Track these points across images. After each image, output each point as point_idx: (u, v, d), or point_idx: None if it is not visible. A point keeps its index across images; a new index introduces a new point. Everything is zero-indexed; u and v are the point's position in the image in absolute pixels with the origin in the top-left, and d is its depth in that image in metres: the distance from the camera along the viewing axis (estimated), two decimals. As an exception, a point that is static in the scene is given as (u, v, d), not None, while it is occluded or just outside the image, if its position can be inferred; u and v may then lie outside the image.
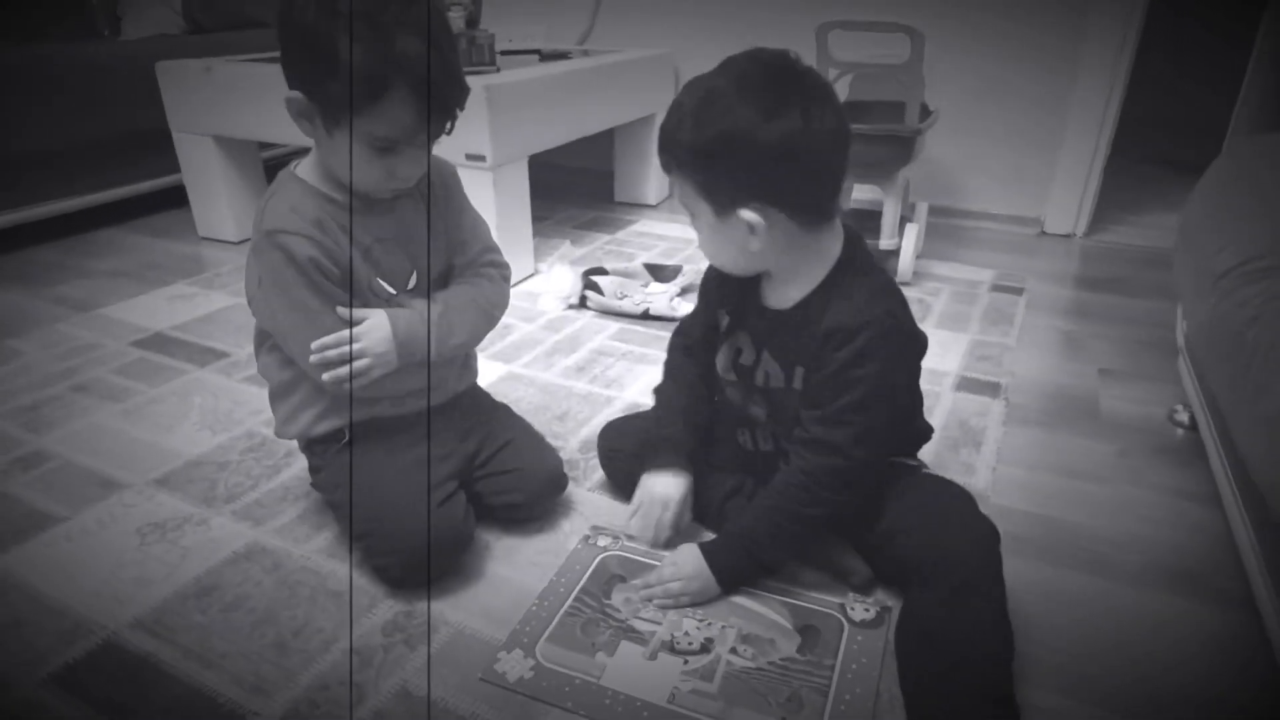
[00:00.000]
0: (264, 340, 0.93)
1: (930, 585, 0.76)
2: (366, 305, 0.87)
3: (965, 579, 0.75)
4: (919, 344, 0.85)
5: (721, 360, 0.92)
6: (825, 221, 0.81)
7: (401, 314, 0.87)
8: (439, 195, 0.93)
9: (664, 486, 0.94)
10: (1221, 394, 0.79)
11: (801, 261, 0.82)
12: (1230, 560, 0.94)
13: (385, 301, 0.89)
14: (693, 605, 0.86)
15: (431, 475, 0.90)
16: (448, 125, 0.83)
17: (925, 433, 0.97)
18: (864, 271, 0.83)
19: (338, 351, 0.83)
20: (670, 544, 0.93)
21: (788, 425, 0.86)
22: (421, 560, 0.86)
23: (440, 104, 0.79)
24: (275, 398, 0.95)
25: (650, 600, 0.86)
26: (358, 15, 0.73)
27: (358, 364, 0.84)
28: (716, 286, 0.93)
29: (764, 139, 0.72)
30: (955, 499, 0.85)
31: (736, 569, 0.86)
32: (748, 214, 0.76)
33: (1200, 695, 0.77)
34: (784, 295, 0.84)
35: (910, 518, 0.83)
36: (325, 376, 0.84)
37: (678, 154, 0.78)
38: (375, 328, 0.85)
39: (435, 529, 0.87)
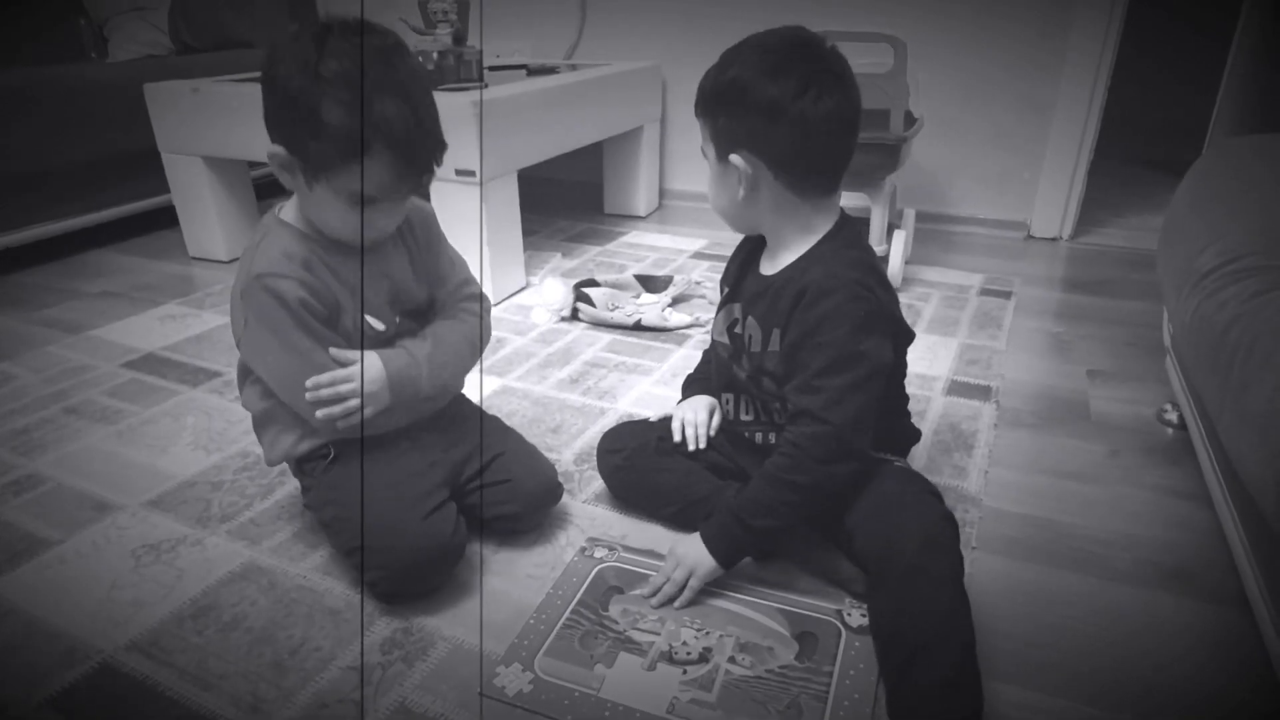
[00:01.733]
0: (246, 374, 0.95)
1: (882, 577, 0.78)
2: (356, 344, 0.89)
3: (912, 565, 0.74)
4: (900, 328, 0.87)
5: (717, 325, 0.97)
6: (817, 193, 0.85)
7: (391, 354, 0.89)
8: (420, 236, 0.96)
9: (702, 401, 1.02)
10: (1207, 393, 0.80)
11: (791, 228, 0.87)
12: (1221, 557, 0.94)
13: (375, 338, 0.91)
14: (695, 596, 0.87)
15: (420, 485, 0.91)
16: (425, 179, 0.85)
17: (912, 435, 0.98)
18: (848, 245, 0.86)
19: (331, 391, 0.85)
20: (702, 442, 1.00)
21: (763, 389, 0.90)
22: (412, 574, 0.87)
23: (417, 163, 0.82)
24: (259, 426, 0.97)
25: (659, 603, 0.87)
26: (338, 79, 0.76)
27: (351, 403, 0.85)
28: (728, 265, 0.99)
29: (758, 94, 0.79)
30: (911, 488, 0.85)
31: (732, 542, 0.86)
32: (736, 159, 0.83)
33: (1192, 692, 0.78)
34: (775, 263, 0.89)
35: (866, 510, 0.83)
36: (319, 414, 0.85)
37: (700, 100, 0.86)
38: (368, 368, 0.86)
39: (425, 540, 0.87)
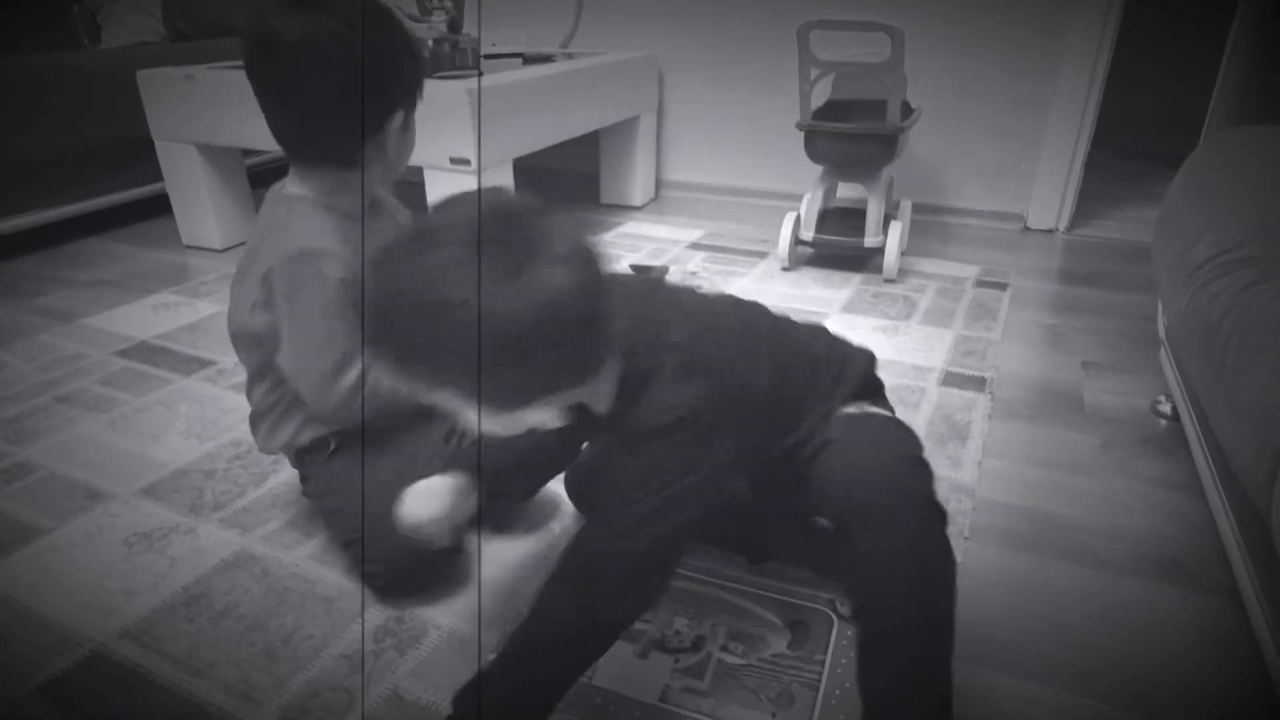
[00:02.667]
0: (262, 372, 0.93)
1: (847, 528, 0.68)
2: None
3: (875, 503, 0.66)
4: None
5: None
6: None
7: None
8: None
9: None
10: (1200, 383, 0.80)
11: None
12: (1213, 549, 0.95)
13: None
14: None
15: (419, 477, 0.90)
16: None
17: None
18: None
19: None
20: None
21: None
22: (411, 569, 0.86)
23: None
24: (257, 418, 0.96)
25: None
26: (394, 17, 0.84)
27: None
28: None
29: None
30: (877, 432, 0.74)
31: None
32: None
33: (1183, 681, 0.78)
34: None
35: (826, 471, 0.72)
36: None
37: None
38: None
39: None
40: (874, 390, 0.83)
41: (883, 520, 0.66)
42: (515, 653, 0.67)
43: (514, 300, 0.51)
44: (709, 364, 0.66)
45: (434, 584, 0.89)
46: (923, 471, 0.69)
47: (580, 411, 0.69)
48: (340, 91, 0.80)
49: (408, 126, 0.89)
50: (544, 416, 0.62)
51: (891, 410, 0.81)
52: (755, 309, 0.80)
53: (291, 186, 0.89)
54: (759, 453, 0.78)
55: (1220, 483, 0.88)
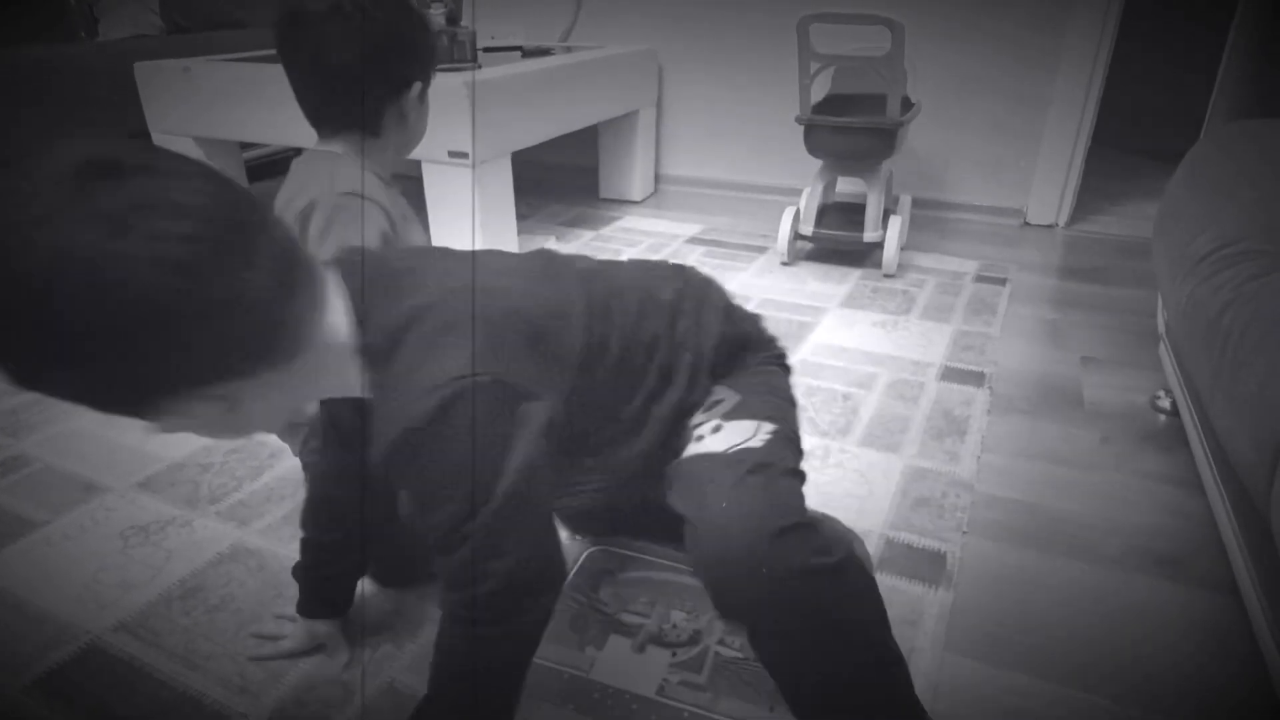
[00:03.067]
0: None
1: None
2: None
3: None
4: None
5: None
6: None
7: None
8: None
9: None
10: (1200, 378, 0.80)
11: None
12: (1212, 543, 0.95)
13: None
14: None
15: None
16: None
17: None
18: None
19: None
20: None
21: None
22: (413, 560, 0.86)
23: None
24: (290, 429, 0.96)
25: None
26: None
27: None
28: None
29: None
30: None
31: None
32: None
33: (1180, 676, 0.78)
34: None
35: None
36: None
37: None
38: None
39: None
40: (758, 345, 0.74)
41: (774, 623, 0.59)
42: (439, 693, 0.61)
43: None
44: (487, 317, 0.56)
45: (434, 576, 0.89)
46: (798, 540, 0.58)
47: (331, 414, 0.64)
48: (364, 60, 0.85)
49: (424, 98, 0.94)
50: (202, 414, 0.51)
51: (783, 368, 0.73)
52: (572, 259, 0.70)
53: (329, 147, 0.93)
54: (612, 415, 0.67)
55: (1220, 478, 0.88)
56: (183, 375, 0.48)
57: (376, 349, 0.56)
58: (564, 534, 0.97)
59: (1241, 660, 0.79)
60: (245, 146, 2.10)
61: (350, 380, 0.57)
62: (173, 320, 0.44)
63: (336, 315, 0.56)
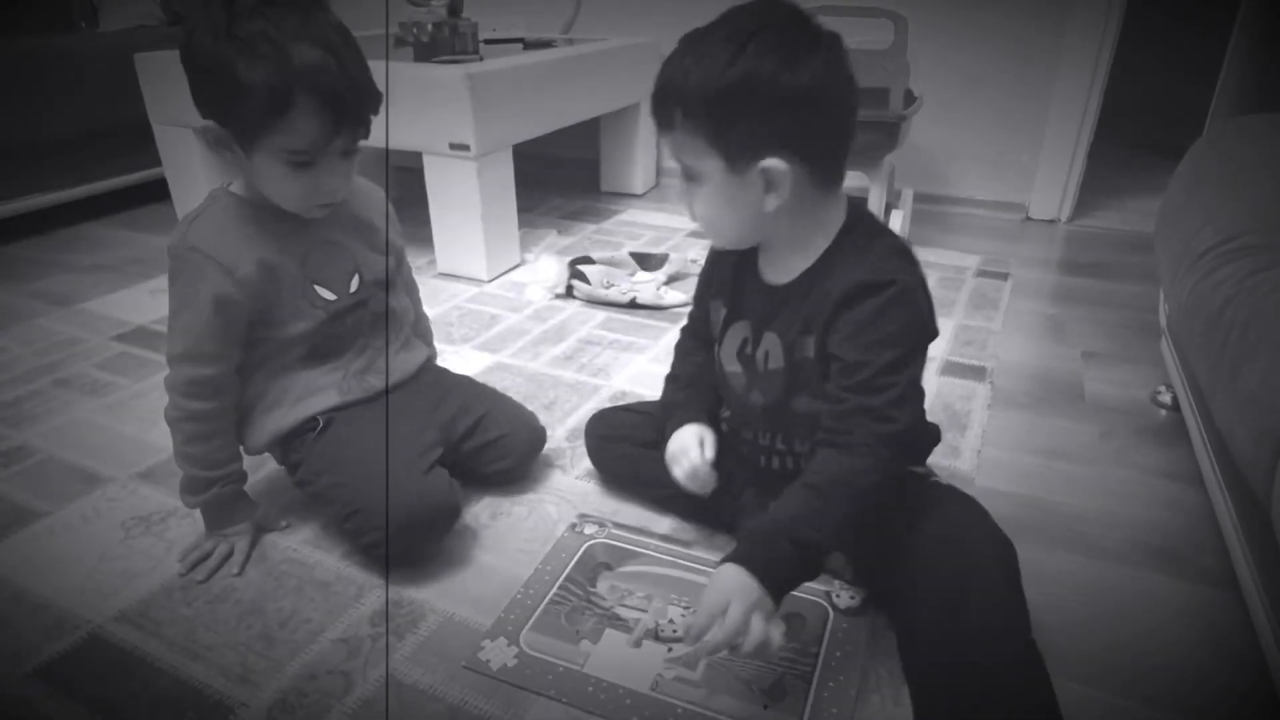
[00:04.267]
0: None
1: (952, 611, 0.69)
2: (301, 316, 0.89)
3: (988, 606, 0.69)
4: (933, 326, 0.77)
5: (724, 352, 0.87)
6: (838, 181, 0.77)
7: None
8: (374, 209, 0.98)
9: (688, 434, 0.89)
10: (1201, 373, 0.80)
11: (810, 227, 0.77)
12: (1212, 539, 0.95)
13: (325, 309, 0.91)
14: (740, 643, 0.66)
15: (413, 446, 0.91)
16: (360, 131, 0.84)
17: (935, 435, 0.90)
18: (874, 234, 0.79)
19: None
20: (707, 484, 0.88)
21: (782, 413, 0.84)
22: (410, 534, 0.87)
23: (347, 112, 0.80)
24: (243, 414, 0.94)
25: (702, 657, 0.76)
26: (256, 34, 0.75)
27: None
28: (707, 281, 0.91)
29: (789, 83, 0.68)
30: (970, 516, 0.78)
31: (784, 566, 0.69)
32: (772, 163, 0.70)
33: (1179, 669, 0.78)
34: (786, 268, 0.79)
35: (922, 537, 0.75)
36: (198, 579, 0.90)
37: (686, 103, 0.71)
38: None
39: (423, 498, 0.88)
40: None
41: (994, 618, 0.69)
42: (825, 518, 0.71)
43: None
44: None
45: (433, 553, 0.91)
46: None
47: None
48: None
49: (250, 155, 0.82)
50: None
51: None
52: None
53: (236, 183, 0.90)
54: None
55: (1220, 473, 0.88)
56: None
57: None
58: (564, 526, 0.97)
59: (1241, 655, 0.80)
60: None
61: None
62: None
63: None
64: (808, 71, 0.68)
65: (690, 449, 0.87)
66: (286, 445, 0.94)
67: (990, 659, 0.67)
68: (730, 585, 0.66)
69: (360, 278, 0.94)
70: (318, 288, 0.91)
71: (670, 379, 0.97)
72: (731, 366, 0.87)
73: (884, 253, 0.76)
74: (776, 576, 0.67)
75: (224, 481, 0.90)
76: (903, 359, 0.72)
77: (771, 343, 0.81)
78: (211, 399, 0.87)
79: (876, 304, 0.72)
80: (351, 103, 0.80)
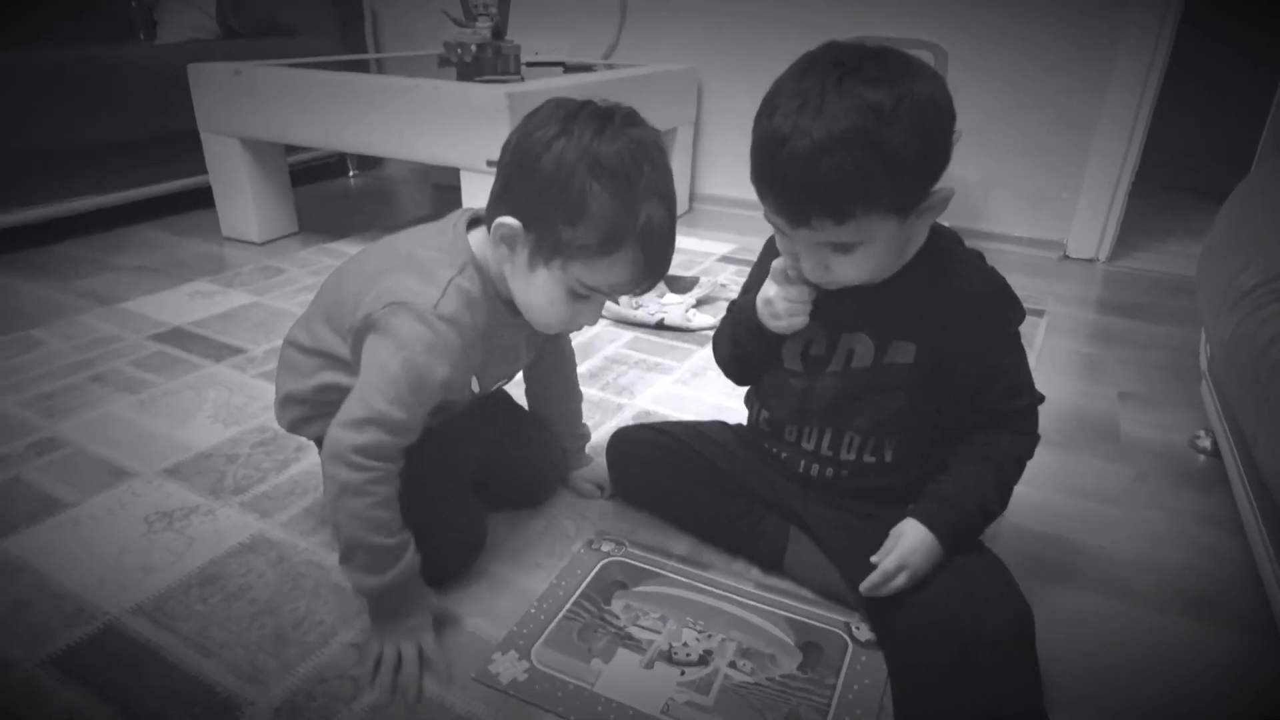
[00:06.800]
0: (296, 401, 0.90)
1: (959, 668, 0.68)
2: (452, 400, 0.85)
3: (997, 665, 0.67)
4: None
5: (789, 351, 0.85)
6: None
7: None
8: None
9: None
10: (1244, 414, 0.77)
11: (915, 237, 0.77)
12: (1251, 586, 0.91)
13: (466, 399, 0.89)
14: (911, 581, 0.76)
15: (456, 477, 0.92)
16: (648, 289, 0.81)
17: None
18: (957, 240, 0.81)
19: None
20: None
21: (843, 417, 0.83)
22: (438, 565, 0.84)
23: (659, 271, 0.78)
24: (298, 399, 0.91)
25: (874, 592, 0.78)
26: (616, 170, 0.72)
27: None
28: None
29: (948, 104, 0.67)
30: (991, 572, 0.77)
31: (967, 530, 0.79)
32: (941, 185, 0.70)
33: (1213, 717, 0.75)
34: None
35: (936, 587, 0.75)
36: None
37: (886, 183, 0.65)
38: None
39: (455, 534, 0.89)
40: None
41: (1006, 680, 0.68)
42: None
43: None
44: None
45: (452, 580, 0.89)
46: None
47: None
48: None
49: (534, 268, 0.77)
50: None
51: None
52: None
53: (476, 237, 0.82)
54: None
55: (1261, 517, 0.84)
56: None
57: None
58: (580, 543, 0.96)
59: (1277, 704, 0.76)
60: (289, 150, 2.14)
61: None
62: None
63: None
64: (949, 113, 0.68)
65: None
66: None
67: None
68: (922, 543, 0.76)
69: (507, 379, 0.95)
70: (474, 379, 0.87)
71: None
72: (792, 364, 0.86)
73: (979, 258, 0.80)
74: (957, 541, 0.77)
75: (409, 549, 0.77)
76: (1023, 360, 0.81)
77: (859, 342, 0.81)
78: (395, 460, 0.77)
79: (1001, 305, 0.78)
80: (665, 265, 0.78)
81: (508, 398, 1.07)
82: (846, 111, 0.63)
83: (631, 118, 0.76)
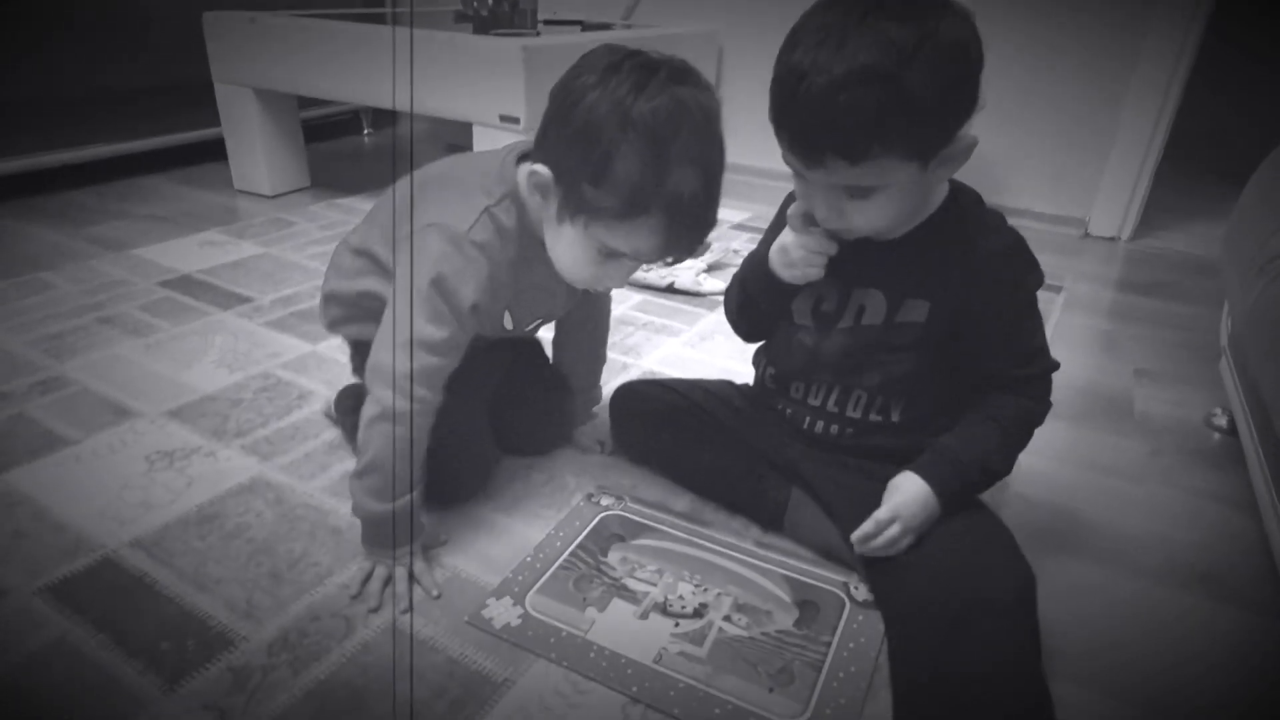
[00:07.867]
0: (341, 303, 0.92)
1: (958, 628, 0.66)
2: (483, 334, 0.84)
3: (996, 626, 0.66)
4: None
5: (800, 306, 0.84)
6: None
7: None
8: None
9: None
10: (1265, 381, 0.75)
11: (935, 188, 0.75)
12: (1263, 566, 0.89)
13: (497, 333, 0.89)
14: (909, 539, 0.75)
15: (480, 398, 0.94)
16: (680, 259, 0.79)
17: None
18: (977, 199, 0.78)
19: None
20: None
21: (850, 373, 0.81)
22: (453, 482, 0.89)
23: (691, 241, 0.75)
24: (342, 299, 0.91)
25: (871, 552, 0.76)
26: (649, 131, 0.67)
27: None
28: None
29: (977, 49, 0.64)
30: (993, 534, 0.76)
31: (968, 489, 0.78)
32: (965, 132, 0.66)
33: (1219, 695, 0.73)
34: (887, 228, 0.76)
35: (938, 546, 0.74)
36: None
37: (904, 124, 0.62)
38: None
39: (485, 452, 0.93)
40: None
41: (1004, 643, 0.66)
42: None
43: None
44: None
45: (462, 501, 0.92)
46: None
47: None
48: None
49: (561, 222, 0.76)
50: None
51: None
52: None
53: (523, 172, 0.77)
54: None
55: (1277, 494, 0.82)
56: None
57: None
58: (579, 496, 0.95)
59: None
60: (303, 103, 2.12)
61: None
62: None
63: None
64: (979, 53, 0.64)
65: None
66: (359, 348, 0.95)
67: (990, 691, 0.64)
68: (918, 496, 0.75)
69: (542, 321, 0.94)
70: (508, 315, 0.87)
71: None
72: (802, 320, 0.84)
73: (996, 216, 0.78)
74: (955, 497, 0.76)
75: (418, 487, 0.79)
76: (1038, 319, 0.79)
77: (871, 299, 0.79)
78: (438, 392, 0.78)
79: (1019, 266, 0.76)
80: (700, 233, 0.74)
81: (538, 346, 1.08)
82: (867, 47, 0.60)
83: (681, 74, 0.70)
